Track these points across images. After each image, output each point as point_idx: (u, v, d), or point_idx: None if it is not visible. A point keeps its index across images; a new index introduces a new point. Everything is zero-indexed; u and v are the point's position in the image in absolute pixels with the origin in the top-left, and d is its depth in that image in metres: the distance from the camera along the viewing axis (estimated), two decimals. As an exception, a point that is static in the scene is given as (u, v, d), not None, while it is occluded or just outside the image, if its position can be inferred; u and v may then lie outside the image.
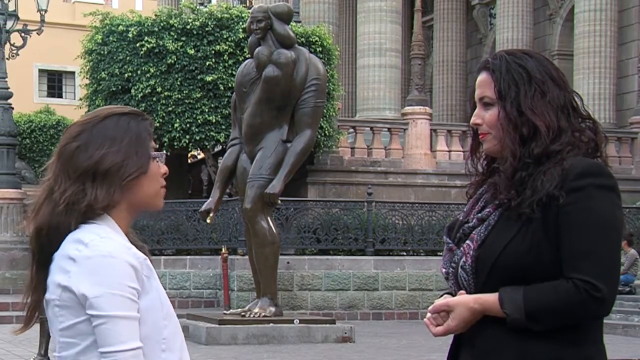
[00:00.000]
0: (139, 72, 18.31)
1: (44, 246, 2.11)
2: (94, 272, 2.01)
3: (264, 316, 11.72)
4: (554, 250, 2.23)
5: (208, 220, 11.89)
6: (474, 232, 2.35)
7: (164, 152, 2.11)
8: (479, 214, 2.38)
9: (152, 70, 18.18)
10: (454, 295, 2.37)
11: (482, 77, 2.41)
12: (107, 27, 18.78)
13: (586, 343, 2.28)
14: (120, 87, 18.61)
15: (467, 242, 2.35)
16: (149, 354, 2.05)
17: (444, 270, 2.43)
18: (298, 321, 11.98)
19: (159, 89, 18.19)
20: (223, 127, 18.09)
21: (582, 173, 2.25)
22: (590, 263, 2.20)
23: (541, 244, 2.24)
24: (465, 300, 2.29)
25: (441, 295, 2.46)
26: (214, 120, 18.23)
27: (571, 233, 2.22)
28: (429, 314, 2.36)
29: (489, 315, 2.27)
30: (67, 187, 2.10)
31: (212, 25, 18.30)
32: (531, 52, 2.44)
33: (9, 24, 21.21)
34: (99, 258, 2.02)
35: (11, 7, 21.30)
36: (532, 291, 2.22)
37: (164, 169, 2.19)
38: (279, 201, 12.06)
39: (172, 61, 18.14)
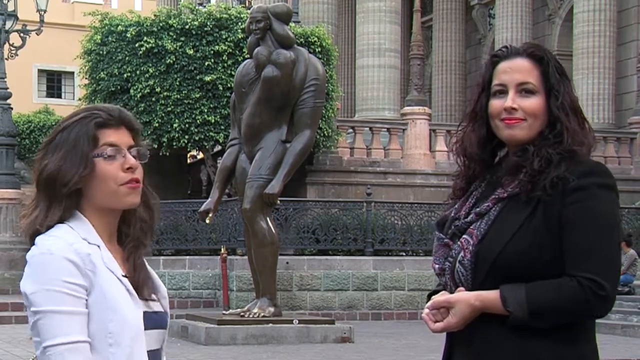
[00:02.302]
0: (138, 72, 18.31)
1: None
2: (34, 270, 2.07)
3: (263, 316, 11.71)
4: (554, 248, 2.23)
5: (207, 221, 11.88)
6: (471, 227, 2.33)
7: (117, 146, 2.07)
8: (477, 209, 2.35)
9: (151, 71, 18.18)
10: (450, 291, 2.35)
11: (523, 63, 2.37)
12: (106, 27, 18.78)
13: (583, 341, 2.29)
14: (119, 87, 18.60)
15: (465, 237, 2.33)
16: (98, 349, 2.07)
17: (437, 265, 2.41)
18: (297, 321, 11.98)
19: (158, 89, 18.18)
20: (222, 127, 18.09)
21: (585, 172, 2.26)
22: (595, 261, 2.20)
23: (542, 242, 2.23)
24: (466, 297, 2.27)
25: (432, 292, 2.44)
26: (213, 121, 18.23)
27: (575, 231, 2.22)
28: (426, 310, 2.34)
29: (485, 313, 2.26)
30: (34, 199, 2.18)
31: (211, 26, 18.30)
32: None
33: (8, 24, 21.21)
34: (39, 256, 2.07)
35: (10, 7, 21.29)
36: (535, 289, 2.21)
37: (129, 162, 2.16)
38: (278, 201, 12.06)
39: (171, 61, 18.13)
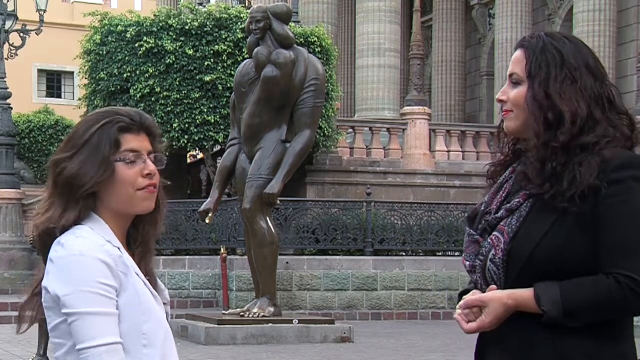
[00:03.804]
0: (137, 72, 18.31)
1: (44, 252, 2.16)
2: (65, 271, 2.05)
3: (263, 316, 11.71)
4: (589, 244, 2.18)
5: (207, 221, 11.88)
6: (502, 224, 2.27)
7: (138, 152, 2.10)
8: (508, 205, 2.29)
9: (151, 71, 18.18)
10: (481, 289, 2.31)
11: (517, 54, 2.35)
12: (106, 28, 18.78)
13: (621, 339, 2.25)
14: (119, 87, 18.60)
15: (496, 234, 2.28)
16: (130, 350, 2.07)
17: (467, 263, 2.34)
18: (297, 321, 11.97)
19: (157, 89, 18.18)
20: (222, 127, 18.09)
21: (623, 165, 2.20)
22: (633, 259, 2.15)
23: (576, 238, 2.18)
24: (499, 296, 2.22)
25: (463, 291, 2.39)
26: (212, 121, 18.23)
27: (611, 228, 2.17)
28: (459, 310, 2.29)
29: (519, 312, 2.21)
30: (49, 199, 2.16)
31: (211, 26, 18.30)
32: (571, 37, 2.38)
33: (8, 24, 21.22)
34: (70, 257, 2.06)
35: (10, 7, 21.31)
36: (570, 287, 2.16)
37: (149, 169, 2.17)
38: (278, 201, 12.05)
39: (171, 61, 18.13)
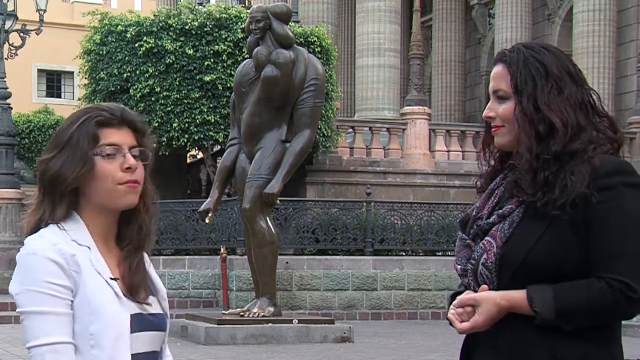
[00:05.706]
0: (137, 72, 18.31)
1: None
2: (19, 271, 2.11)
3: (263, 316, 11.71)
4: (582, 249, 2.20)
5: (207, 221, 11.87)
6: (494, 229, 2.29)
7: (118, 146, 2.09)
8: (500, 211, 2.31)
9: (151, 71, 18.18)
10: (474, 292, 2.31)
11: (498, 69, 2.36)
12: (106, 28, 18.79)
13: (613, 343, 2.27)
14: (119, 87, 18.60)
15: (488, 238, 2.29)
16: (82, 351, 2.07)
17: (459, 267, 2.36)
18: (297, 321, 11.97)
19: (157, 89, 18.18)
20: (222, 127, 18.09)
21: (613, 171, 2.23)
22: (625, 263, 2.17)
23: (570, 243, 2.20)
24: (492, 297, 2.24)
25: (455, 293, 2.40)
26: (212, 121, 18.23)
27: (603, 233, 2.19)
28: (452, 310, 2.30)
29: (512, 314, 2.23)
30: (38, 199, 2.19)
31: (211, 26, 18.30)
32: (549, 47, 2.39)
33: (8, 24, 21.22)
34: (24, 257, 2.11)
35: (10, 7, 21.30)
36: (563, 290, 2.18)
37: (128, 162, 2.15)
38: (278, 201, 12.05)
39: (171, 61, 18.14)
